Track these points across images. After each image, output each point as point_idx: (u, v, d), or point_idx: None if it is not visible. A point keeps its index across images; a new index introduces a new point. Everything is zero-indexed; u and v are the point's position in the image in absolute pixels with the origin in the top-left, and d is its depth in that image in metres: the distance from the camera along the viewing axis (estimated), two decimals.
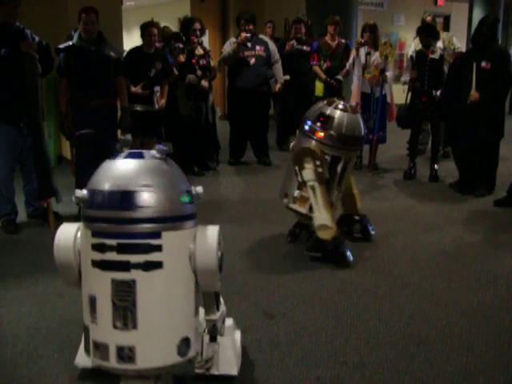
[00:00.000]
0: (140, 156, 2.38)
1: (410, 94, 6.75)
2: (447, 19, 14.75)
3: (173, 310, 2.37)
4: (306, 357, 3.01)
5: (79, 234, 2.44)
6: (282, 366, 2.93)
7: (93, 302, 2.34)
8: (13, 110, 4.81)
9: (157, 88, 6.27)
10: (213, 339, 2.70)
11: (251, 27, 7.22)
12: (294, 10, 10.41)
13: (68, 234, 2.48)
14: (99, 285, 2.32)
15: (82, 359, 2.73)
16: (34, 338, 3.21)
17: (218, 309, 2.71)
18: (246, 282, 3.94)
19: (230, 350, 2.78)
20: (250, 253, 4.49)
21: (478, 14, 14.09)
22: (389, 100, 7.28)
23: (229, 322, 2.90)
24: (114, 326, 2.29)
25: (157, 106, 6.31)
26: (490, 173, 6.07)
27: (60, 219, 5.21)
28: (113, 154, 5.34)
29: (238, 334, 2.94)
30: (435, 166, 6.75)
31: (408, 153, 7.11)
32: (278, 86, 7.41)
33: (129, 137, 5.69)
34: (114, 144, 5.44)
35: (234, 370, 2.74)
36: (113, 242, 2.26)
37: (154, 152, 2.43)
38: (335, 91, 7.63)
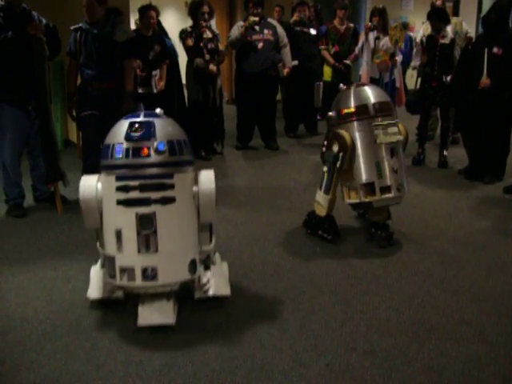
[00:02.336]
0: (154, 115, 3.05)
1: (419, 80, 6.68)
2: (457, 4, 14.58)
3: (184, 236, 3.03)
4: (316, 343, 2.99)
5: (99, 183, 3.00)
6: (291, 351, 2.92)
7: (119, 234, 2.91)
8: (20, 94, 4.77)
9: (155, 72, 6.28)
10: (207, 268, 3.30)
11: (259, 10, 7.14)
12: None
13: (90, 183, 3.02)
14: (125, 219, 2.90)
15: (93, 292, 3.30)
16: (43, 322, 3.21)
17: (210, 241, 3.26)
18: (254, 268, 3.92)
19: (222, 276, 3.40)
20: (259, 238, 4.47)
21: None
22: (398, 85, 7.22)
23: (217, 255, 3.53)
24: (139, 251, 2.90)
25: (155, 90, 6.29)
26: (500, 159, 6.01)
27: (67, 203, 5.20)
28: None
29: (225, 265, 3.51)
30: (444, 152, 6.69)
31: (417, 139, 7.05)
32: (287, 70, 7.32)
33: None
34: None
35: (227, 291, 3.34)
36: (135, 183, 2.86)
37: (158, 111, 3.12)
38: (343, 76, 7.58)
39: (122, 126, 2.98)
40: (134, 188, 2.87)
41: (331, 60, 7.78)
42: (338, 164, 4.11)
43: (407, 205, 5.18)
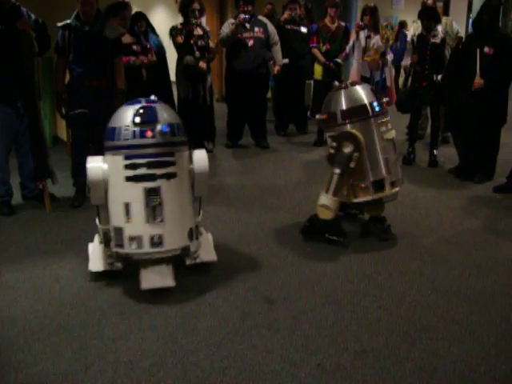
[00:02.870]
0: (153, 101, 3.44)
1: (409, 79, 6.66)
2: (447, 3, 14.62)
3: (183, 208, 3.44)
4: (307, 343, 2.98)
5: (105, 164, 3.37)
6: (282, 351, 2.90)
7: (128, 207, 3.28)
8: (9, 90, 4.71)
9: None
10: (196, 237, 3.65)
11: (250, 8, 7.10)
12: None
13: (97, 163, 3.38)
14: (133, 193, 3.27)
15: (95, 266, 3.61)
16: (31, 322, 3.17)
17: (199, 213, 3.70)
18: (244, 267, 3.90)
19: (208, 244, 3.84)
20: (249, 237, 4.45)
21: None
22: (388, 84, 7.21)
23: (201, 228, 3.87)
24: (147, 222, 3.28)
25: None
26: (491, 159, 6.01)
27: (56, 201, 5.15)
28: None
29: (210, 235, 3.96)
30: (434, 151, 6.69)
31: (407, 138, 7.06)
32: (277, 68, 7.30)
33: None
34: None
35: (214, 257, 3.78)
36: (143, 160, 3.25)
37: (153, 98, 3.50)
38: (334, 74, 7.56)
39: (126, 110, 3.34)
40: (141, 165, 3.25)
41: (322, 58, 7.75)
42: (353, 164, 4.05)
43: (398, 204, 5.17)
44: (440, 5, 13.24)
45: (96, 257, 3.68)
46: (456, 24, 8.39)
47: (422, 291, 3.58)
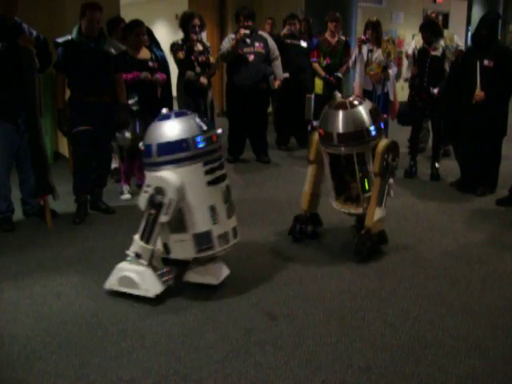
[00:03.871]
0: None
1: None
2: (446, 17, 14.69)
3: None
4: (311, 360, 2.94)
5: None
6: (286, 368, 2.87)
7: (213, 209, 3.50)
8: (10, 107, 4.71)
9: None
10: None
11: (250, 23, 7.13)
12: (293, 6, 10.31)
13: (175, 176, 3.42)
14: (215, 195, 3.52)
15: (154, 289, 3.53)
16: (32, 340, 3.14)
17: None
18: (247, 283, 3.87)
19: None
20: (251, 253, 4.42)
21: (477, 12, 14.09)
22: (391, 98, 7.20)
23: None
24: (228, 217, 3.59)
25: None
26: (492, 171, 6.00)
27: (57, 217, 5.13)
28: (110, 151, 5.32)
29: None
30: (436, 164, 6.68)
31: (409, 151, 7.05)
32: (278, 83, 7.31)
33: (127, 134, 5.62)
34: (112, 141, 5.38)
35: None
36: (216, 164, 3.52)
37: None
38: (334, 88, 7.55)
39: (185, 121, 3.48)
40: (217, 168, 3.52)
41: (322, 72, 7.78)
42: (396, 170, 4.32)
43: (400, 217, 5.17)
44: (440, 18, 13.31)
45: (150, 281, 3.54)
46: (457, 38, 8.42)
47: (426, 306, 3.55)
